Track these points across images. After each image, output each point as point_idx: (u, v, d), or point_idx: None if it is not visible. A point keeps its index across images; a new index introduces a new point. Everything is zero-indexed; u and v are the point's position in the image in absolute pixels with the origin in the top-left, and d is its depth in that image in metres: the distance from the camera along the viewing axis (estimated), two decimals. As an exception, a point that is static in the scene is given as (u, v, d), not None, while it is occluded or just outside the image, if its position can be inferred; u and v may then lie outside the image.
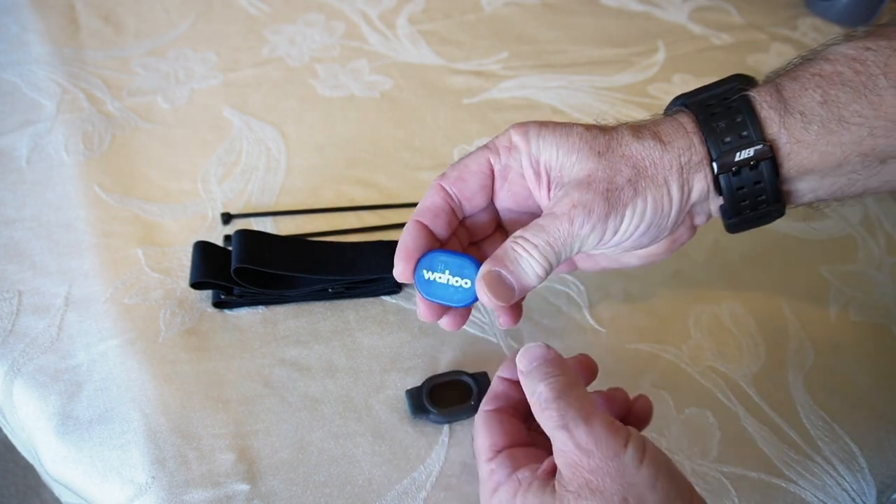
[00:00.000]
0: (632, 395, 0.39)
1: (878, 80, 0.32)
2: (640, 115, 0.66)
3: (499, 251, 0.35)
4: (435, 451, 0.40)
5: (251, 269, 0.43)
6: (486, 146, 0.37)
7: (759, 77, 0.36)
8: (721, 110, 0.34)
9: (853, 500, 0.42)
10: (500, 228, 0.40)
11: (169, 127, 0.58)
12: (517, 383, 0.35)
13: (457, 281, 0.35)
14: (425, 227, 0.36)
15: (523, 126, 0.36)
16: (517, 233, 0.35)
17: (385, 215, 0.53)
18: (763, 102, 0.33)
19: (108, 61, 0.64)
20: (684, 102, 0.36)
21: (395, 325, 0.46)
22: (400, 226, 0.49)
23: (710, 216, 0.37)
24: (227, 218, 0.51)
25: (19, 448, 0.45)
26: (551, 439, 0.31)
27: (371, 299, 0.47)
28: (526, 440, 0.35)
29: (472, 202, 0.37)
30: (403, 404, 0.42)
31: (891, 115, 0.32)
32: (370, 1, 0.77)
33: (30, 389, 0.40)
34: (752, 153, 0.33)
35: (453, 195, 0.37)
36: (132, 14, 0.69)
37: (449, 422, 0.41)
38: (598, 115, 0.65)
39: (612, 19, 0.81)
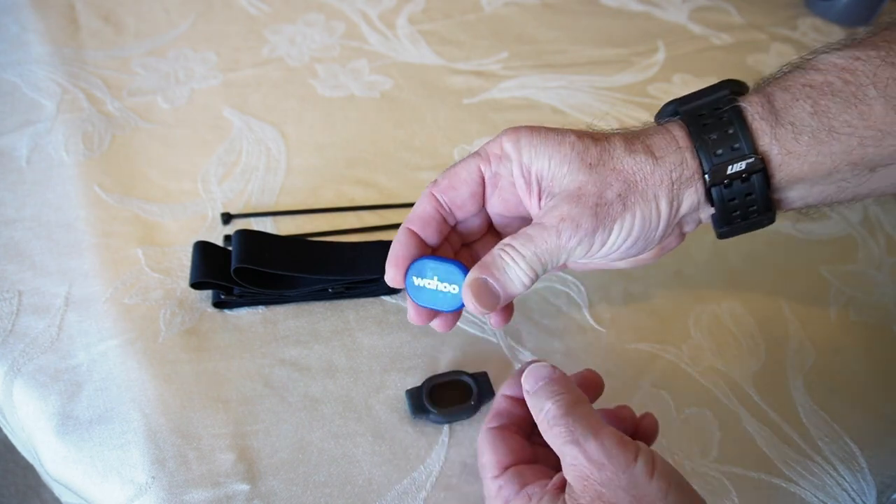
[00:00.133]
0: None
1: (868, 91, 0.32)
2: (640, 115, 0.66)
3: (486, 258, 0.35)
4: (435, 451, 0.40)
5: (251, 269, 0.43)
6: (477, 153, 0.37)
7: (759, 78, 0.36)
8: (713, 121, 0.34)
9: (853, 500, 0.42)
10: (492, 230, 0.40)
11: (169, 127, 0.58)
12: (520, 401, 0.35)
13: (445, 287, 0.36)
14: (416, 234, 0.37)
15: (515, 133, 0.36)
16: (506, 240, 0.35)
17: (385, 215, 0.53)
18: (755, 114, 0.33)
19: (108, 61, 0.64)
20: (676, 110, 0.36)
21: (395, 325, 0.46)
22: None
23: (699, 223, 0.37)
24: (227, 218, 0.51)
25: (19, 448, 0.45)
26: (560, 455, 0.31)
27: (371, 299, 0.47)
28: (530, 457, 0.36)
29: (463, 209, 0.38)
30: (403, 404, 0.42)
31: (880, 124, 0.32)
32: (370, 1, 0.77)
33: (30, 389, 0.40)
34: (743, 166, 0.33)
35: (444, 203, 0.37)
36: (132, 14, 0.69)
37: (449, 422, 0.41)
38: (597, 115, 0.66)
39: (612, 19, 0.81)
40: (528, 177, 0.36)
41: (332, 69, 0.67)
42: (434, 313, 0.37)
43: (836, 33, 0.84)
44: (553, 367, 0.34)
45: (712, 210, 0.36)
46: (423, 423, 0.41)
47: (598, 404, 0.38)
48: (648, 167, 0.34)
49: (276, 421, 0.40)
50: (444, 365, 0.44)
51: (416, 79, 0.67)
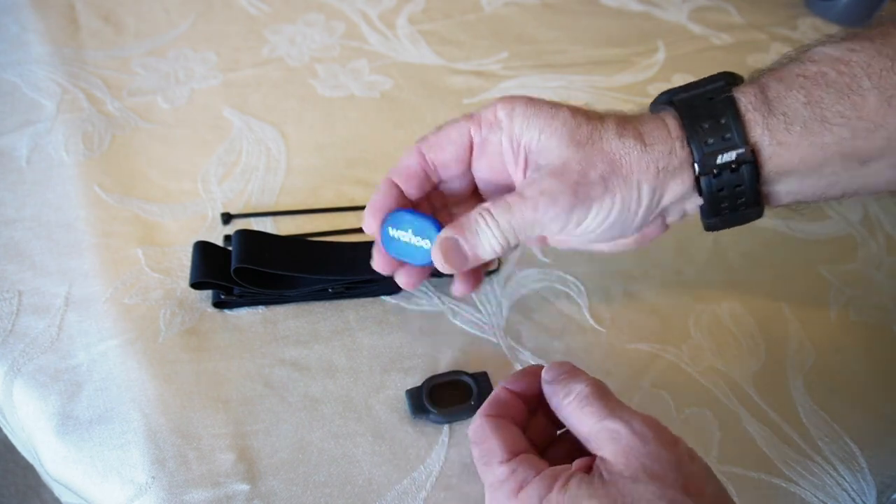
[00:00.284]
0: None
1: (862, 82, 0.32)
2: (640, 115, 0.66)
3: (462, 218, 0.35)
4: (435, 451, 0.40)
5: (251, 269, 0.43)
6: (470, 116, 0.37)
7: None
8: (705, 111, 0.34)
9: (853, 500, 0.42)
10: (476, 194, 0.40)
11: (169, 127, 0.58)
12: (520, 396, 0.35)
13: (418, 241, 0.37)
14: (397, 186, 0.37)
15: (511, 102, 0.36)
16: (484, 205, 0.35)
17: (385, 215, 0.53)
18: (748, 104, 0.34)
19: (108, 61, 0.64)
20: (671, 99, 0.36)
21: (395, 325, 0.46)
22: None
23: (684, 215, 0.37)
24: (227, 218, 0.51)
25: (19, 448, 0.45)
26: (593, 433, 0.31)
27: (371, 299, 0.47)
28: (530, 450, 0.35)
29: (448, 169, 0.38)
30: (403, 404, 0.42)
31: (872, 116, 0.32)
32: (370, 1, 0.77)
33: (30, 389, 0.40)
34: (733, 156, 0.33)
35: (429, 160, 0.38)
36: (132, 14, 0.69)
37: (449, 422, 0.41)
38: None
39: (612, 19, 0.81)
40: (517, 147, 0.36)
41: (332, 69, 0.67)
42: (399, 264, 0.38)
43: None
44: (573, 365, 0.35)
45: (700, 201, 0.36)
46: (423, 423, 0.41)
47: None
48: (636, 153, 0.34)
49: (276, 421, 0.40)
50: (444, 365, 0.44)
51: (416, 79, 0.67)
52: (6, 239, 0.48)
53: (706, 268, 0.54)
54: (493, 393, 0.36)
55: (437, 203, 0.40)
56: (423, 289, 0.48)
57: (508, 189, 0.37)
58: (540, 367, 0.37)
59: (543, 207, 0.34)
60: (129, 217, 0.50)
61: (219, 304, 0.45)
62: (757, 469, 0.42)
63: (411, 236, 0.37)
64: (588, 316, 0.49)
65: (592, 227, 0.35)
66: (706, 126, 0.34)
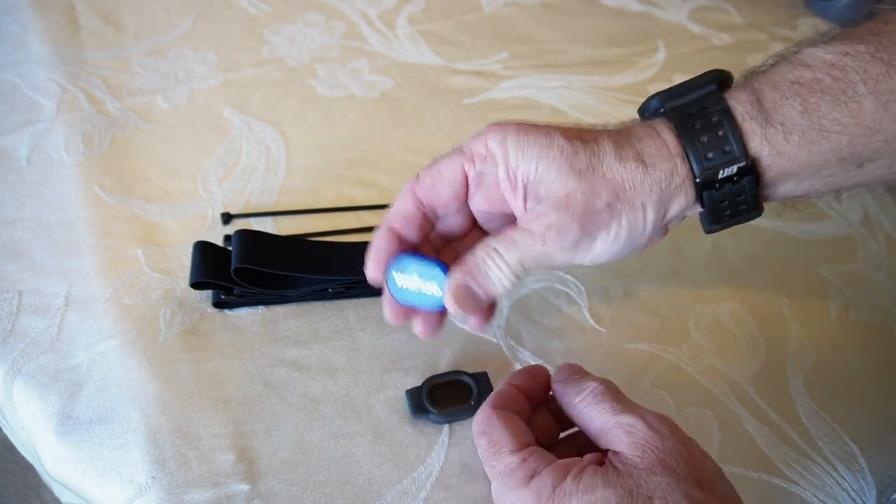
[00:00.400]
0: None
1: (858, 88, 0.32)
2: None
3: (469, 259, 0.35)
4: (435, 451, 0.40)
5: (251, 269, 0.43)
6: (460, 151, 0.36)
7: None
8: (702, 123, 0.33)
9: (853, 500, 0.42)
10: (476, 228, 0.40)
11: (169, 127, 0.58)
12: (524, 392, 0.35)
13: (426, 285, 0.36)
14: (396, 232, 0.37)
15: (501, 131, 0.35)
16: (490, 242, 0.34)
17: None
18: (745, 114, 0.33)
19: (108, 61, 0.64)
20: (661, 106, 0.36)
21: (395, 325, 0.46)
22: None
23: (684, 218, 0.37)
24: (227, 218, 0.51)
25: (19, 448, 0.45)
26: (608, 427, 0.31)
27: (371, 299, 0.47)
28: (537, 444, 0.35)
29: (445, 208, 0.37)
30: (403, 404, 0.42)
31: (869, 122, 0.32)
32: (370, 1, 0.77)
33: (30, 389, 0.40)
34: (734, 170, 0.33)
35: (425, 201, 0.37)
36: (132, 14, 0.69)
37: (449, 422, 0.41)
38: (597, 115, 0.66)
39: (612, 19, 0.81)
40: (514, 179, 0.35)
41: (332, 69, 0.67)
42: (411, 313, 0.37)
43: (836, 33, 0.84)
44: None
45: (700, 209, 0.36)
46: (423, 423, 0.41)
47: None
48: (639, 176, 0.34)
49: (276, 421, 0.40)
50: (444, 365, 0.44)
51: (416, 79, 0.67)
52: (6, 239, 0.48)
53: (706, 268, 0.54)
54: (498, 387, 0.36)
55: (438, 242, 0.39)
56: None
57: (508, 218, 0.37)
58: (542, 367, 0.37)
59: (552, 242, 0.33)
60: (129, 217, 0.50)
61: (219, 304, 0.45)
62: (757, 469, 0.42)
63: (418, 281, 0.36)
64: (588, 316, 0.49)
65: (602, 254, 0.35)
66: (704, 140, 0.33)
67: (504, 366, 0.45)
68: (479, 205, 0.37)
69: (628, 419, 0.31)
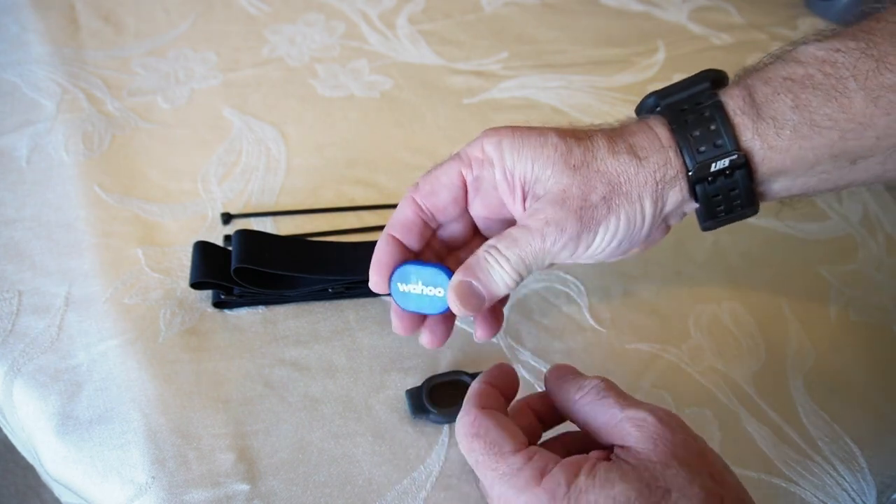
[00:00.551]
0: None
1: (848, 83, 0.32)
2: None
3: (471, 260, 0.35)
4: (435, 451, 0.40)
5: (251, 269, 0.43)
6: (458, 156, 0.37)
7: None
8: (694, 117, 0.34)
9: (853, 500, 0.42)
10: (477, 234, 0.40)
11: (169, 127, 0.58)
12: (500, 390, 0.35)
13: (430, 290, 0.36)
14: (398, 240, 0.37)
15: (496, 135, 0.35)
16: (490, 242, 0.35)
17: (385, 215, 0.53)
18: (736, 109, 0.34)
19: (108, 61, 0.64)
20: (657, 103, 0.36)
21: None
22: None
23: (684, 216, 0.38)
24: (227, 218, 0.51)
25: (19, 448, 0.45)
26: (615, 422, 0.31)
27: (371, 299, 0.47)
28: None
29: (445, 214, 0.37)
30: (403, 404, 0.42)
31: (860, 117, 0.32)
32: (370, 1, 0.77)
33: (30, 389, 0.40)
34: (727, 163, 0.33)
35: (425, 208, 0.37)
36: (132, 14, 0.69)
37: (449, 422, 0.41)
38: (597, 115, 0.66)
39: (612, 19, 0.81)
40: (512, 180, 0.35)
41: (332, 69, 0.67)
42: (419, 323, 0.37)
43: (836, 33, 0.84)
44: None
45: (696, 205, 0.36)
46: (423, 423, 0.41)
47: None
48: (633, 168, 0.34)
49: (276, 421, 0.40)
50: (444, 365, 0.44)
51: (416, 79, 0.67)
52: (6, 239, 0.48)
53: (706, 268, 0.54)
54: (476, 387, 0.34)
55: (441, 251, 0.39)
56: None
57: (508, 224, 0.37)
58: (508, 365, 0.36)
59: (551, 237, 0.34)
60: (129, 217, 0.50)
61: (219, 304, 0.45)
62: (757, 469, 0.42)
63: (422, 287, 0.36)
64: (588, 316, 0.49)
65: (601, 248, 0.35)
66: (697, 133, 0.34)
67: (504, 366, 0.45)
68: (479, 210, 0.38)
69: (637, 413, 0.30)
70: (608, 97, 0.69)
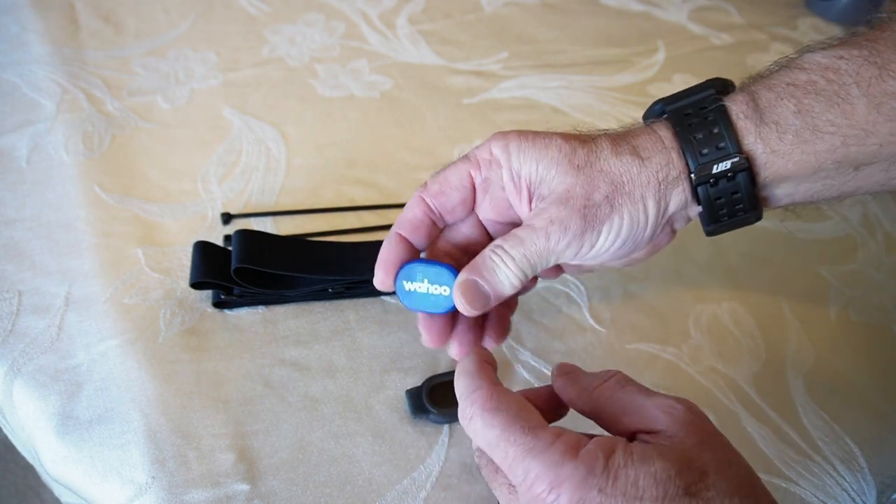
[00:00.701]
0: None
1: (851, 90, 0.32)
2: (640, 115, 0.66)
3: (477, 259, 0.35)
4: (435, 451, 0.40)
5: (251, 269, 0.43)
6: (466, 158, 0.37)
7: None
8: (698, 121, 0.34)
9: (853, 500, 0.42)
10: (484, 236, 0.40)
11: (169, 127, 0.58)
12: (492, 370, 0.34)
13: (435, 289, 0.36)
14: (405, 238, 0.37)
15: (504, 137, 0.36)
16: (496, 242, 0.35)
17: (385, 215, 0.53)
18: (739, 113, 0.34)
19: (108, 61, 0.64)
20: (663, 109, 0.37)
21: (395, 325, 0.46)
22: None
23: (689, 220, 0.38)
24: (227, 218, 0.51)
25: (19, 448, 0.45)
26: (637, 409, 0.30)
27: (371, 299, 0.47)
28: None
29: (453, 214, 0.38)
30: (403, 404, 0.42)
31: (862, 123, 0.32)
32: (370, 1, 0.77)
33: (30, 389, 0.40)
34: (728, 165, 0.34)
35: (434, 208, 0.37)
36: (132, 14, 0.70)
37: (449, 422, 0.41)
38: (598, 116, 0.66)
39: (612, 19, 0.81)
40: (518, 181, 0.36)
41: (332, 69, 0.67)
42: (448, 333, 0.37)
43: (836, 33, 0.84)
44: None
45: (699, 208, 0.36)
46: (423, 423, 0.41)
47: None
48: (635, 168, 0.34)
49: (276, 421, 0.40)
50: (444, 365, 0.44)
51: (416, 79, 0.67)
52: (6, 239, 0.48)
53: (706, 268, 0.54)
54: (475, 361, 0.33)
55: (452, 252, 0.39)
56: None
57: (515, 226, 0.37)
58: (486, 350, 0.35)
59: (556, 236, 0.34)
60: (129, 217, 0.50)
61: (219, 304, 0.45)
62: (757, 469, 0.42)
63: (428, 286, 0.36)
64: (588, 316, 0.49)
65: (605, 248, 0.35)
66: (699, 136, 0.34)
67: (504, 366, 0.45)
68: (487, 212, 0.38)
69: (666, 401, 0.31)
70: (608, 97, 0.69)
